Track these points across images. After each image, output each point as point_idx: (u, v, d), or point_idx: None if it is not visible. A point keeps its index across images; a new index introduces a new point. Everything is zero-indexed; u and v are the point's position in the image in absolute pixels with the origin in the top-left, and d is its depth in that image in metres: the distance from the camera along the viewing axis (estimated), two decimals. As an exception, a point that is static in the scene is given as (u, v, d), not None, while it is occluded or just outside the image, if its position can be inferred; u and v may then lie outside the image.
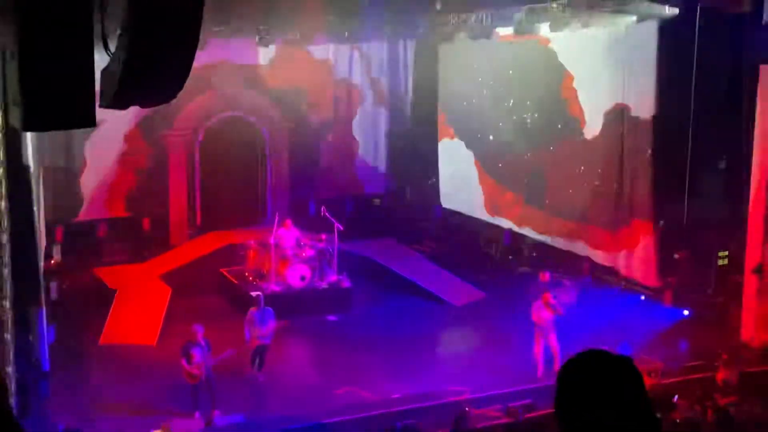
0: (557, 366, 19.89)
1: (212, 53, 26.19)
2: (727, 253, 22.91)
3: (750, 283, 21.57)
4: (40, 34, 6.30)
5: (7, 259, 15.38)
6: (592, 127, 25.18)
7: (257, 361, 20.38)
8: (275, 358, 21.06)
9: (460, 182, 30.65)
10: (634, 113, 23.74)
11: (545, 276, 22.53)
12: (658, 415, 3.48)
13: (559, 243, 26.66)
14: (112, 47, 6.69)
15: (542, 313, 20.31)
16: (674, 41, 22.29)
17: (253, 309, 20.38)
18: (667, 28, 22.44)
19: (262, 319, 20.25)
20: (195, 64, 6.76)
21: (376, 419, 18.02)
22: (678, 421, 16.14)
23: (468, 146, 30.23)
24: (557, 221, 26.63)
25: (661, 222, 23.48)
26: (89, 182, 27.92)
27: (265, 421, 18.38)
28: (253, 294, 21.16)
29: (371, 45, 31.23)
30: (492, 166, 29.24)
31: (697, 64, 21.69)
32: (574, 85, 25.68)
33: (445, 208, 31.50)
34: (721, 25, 21.78)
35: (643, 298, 24.34)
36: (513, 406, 18.20)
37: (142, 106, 7.45)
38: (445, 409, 18.39)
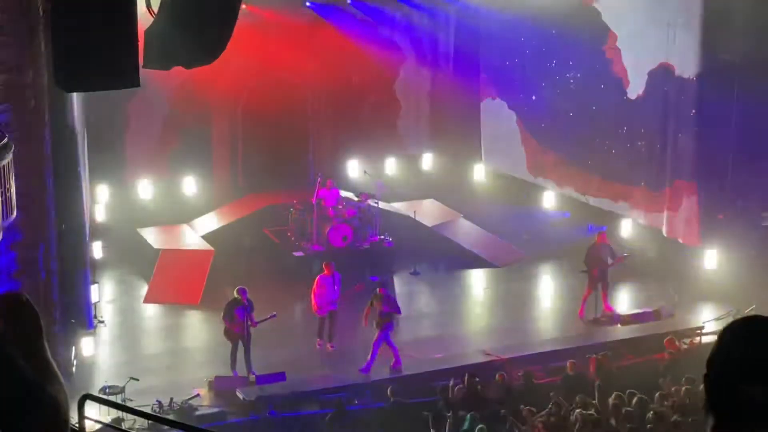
0: (367, 368, 18.88)
1: (256, 13, 26.22)
2: (771, 213, 22.76)
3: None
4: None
5: (52, 219, 15.54)
6: (636, 86, 24.99)
7: (328, 330, 20.23)
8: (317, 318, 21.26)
9: (502, 142, 30.53)
10: (678, 72, 23.54)
11: (603, 237, 22.12)
12: None
13: (601, 203, 26.56)
14: (156, 8, 6.73)
15: (377, 306, 19.10)
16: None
17: (323, 274, 20.20)
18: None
19: (332, 285, 20.08)
20: (237, 24, 6.78)
21: (417, 378, 18.12)
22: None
23: (510, 106, 30.08)
24: (599, 181, 26.51)
25: (705, 182, 23.32)
26: (133, 142, 28.05)
27: (307, 380, 18.52)
28: (325, 264, 20.67)
29: (414, 4, 31.08)
30: (534, 126, 29.09)
31: (742, 22, 21.45)
32: (618, 44, 25.47)
33: (487, 168, 31.40)
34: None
35: (685, 259, 24.24)
36: (554, 366, 18.27)
37: (186, 66, 7.49)
38: (485, 369, 18.48)
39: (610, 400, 15.62)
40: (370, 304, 19.22)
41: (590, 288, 21.51)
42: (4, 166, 11.43)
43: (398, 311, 19.24)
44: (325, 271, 20.25)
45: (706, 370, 2.94)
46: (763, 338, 2.89)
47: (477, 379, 17.37)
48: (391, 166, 30.96)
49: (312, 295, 20.15)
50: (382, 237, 25.23)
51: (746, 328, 2.94)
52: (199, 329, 21.39)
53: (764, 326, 2.93)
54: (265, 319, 18.62)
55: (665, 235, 24.51)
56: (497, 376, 17.51)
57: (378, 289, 19.35)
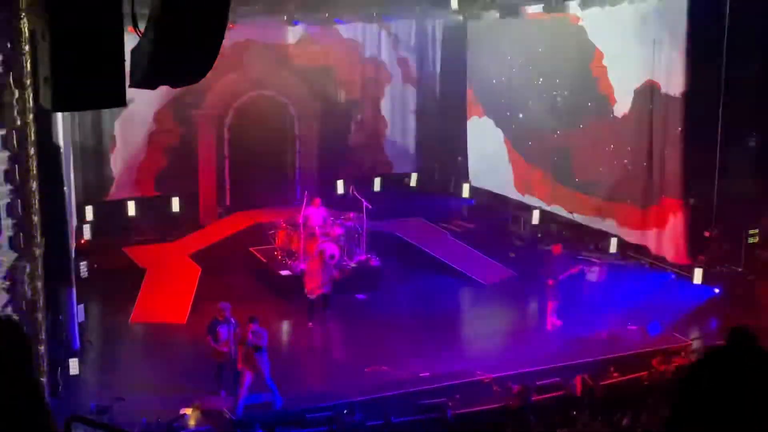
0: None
1: (241, 32, 26.29)
2: (757, 230, 22.76)
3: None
4: (70, 14, 6.32)
5: (38, 238, 15.47)
6: (622, 104, 25.04)
7: (323, 305, 22.34)
8: (304, 336, 21.24)
9: (489, 161, 30.54)
10: (664, 90, 23.59)
11: (557, 248, 22.61)
12: None
13: (589, 221, 26.58)
14: (142, 27, 6.70)
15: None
16: (705, 16, 22.11)
17: (317, 260, 22.48)
18: (697, 3, 22.28)
19: (322, 269, 22.27)
20: (224, 44, 6.76)
21: (404, 397, 18.06)
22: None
23: (497, 124, 30.12)
24: (587, 199, 26.53)
25: (691, 200, 23.35)
26: (119, 162, 27.99)
27: (295, 398, 18.44)
28: (318, 251, 23.03)
29: (400, 23, 31.14)
30: (521, 144, 29.13)
31: (728, 40, 21.53)
32: (604, 62, 25.53)
33: (474, 187, 31.41)
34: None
35: (673, 276, 24.27)
36: (541, 384, 18.21)
37: (172, 85, 7.45)
38: (472, 388, 18.44)
39: (599, 419, 15.59)
40: (242, 342, 18.21)
41: (551, 300, 21.90)
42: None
43: (262, 348, 18.03)
44: (317, 256, 22.61)
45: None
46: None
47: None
48: (377, 184, 30.95)
49: (304, 279, 22.39)
50: (369, 256, 25.19)
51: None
52: (186, 348, 21.28)
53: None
54: (250, 330, 18.47)
55: (653, 252, 24.54)
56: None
57: (249, 324, 18.21)
